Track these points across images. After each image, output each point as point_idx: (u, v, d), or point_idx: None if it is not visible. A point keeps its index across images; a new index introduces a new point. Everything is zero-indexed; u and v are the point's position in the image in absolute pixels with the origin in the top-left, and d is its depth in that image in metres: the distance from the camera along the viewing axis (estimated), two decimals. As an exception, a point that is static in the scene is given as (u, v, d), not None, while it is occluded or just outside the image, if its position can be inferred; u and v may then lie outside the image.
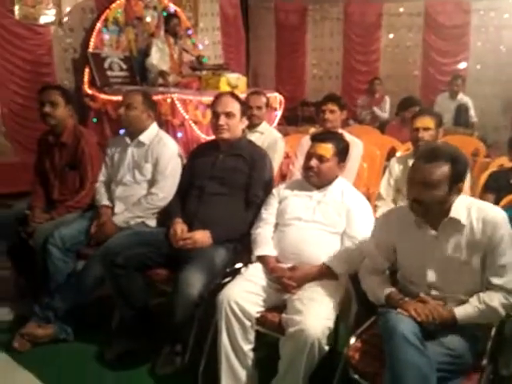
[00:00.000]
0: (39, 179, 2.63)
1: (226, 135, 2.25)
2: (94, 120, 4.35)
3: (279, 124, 4.87)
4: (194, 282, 1.88)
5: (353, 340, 1.67)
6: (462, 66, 6.14)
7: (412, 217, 1.63)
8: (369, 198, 2.52)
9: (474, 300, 1.55)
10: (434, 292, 1.63)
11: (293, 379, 1.69)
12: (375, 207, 2.55)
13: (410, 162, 2.44)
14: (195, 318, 1.98)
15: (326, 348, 1.66)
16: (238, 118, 2.28)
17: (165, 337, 2.05)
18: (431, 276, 1.63)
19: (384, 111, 5.75)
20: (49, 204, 2.55)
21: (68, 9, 4.62)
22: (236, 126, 2.27)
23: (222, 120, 2.22)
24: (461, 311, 1.54)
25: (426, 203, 1.53)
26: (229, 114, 2.23)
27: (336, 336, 1.93)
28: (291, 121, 6.17)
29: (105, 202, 2.45)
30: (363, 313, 1.86)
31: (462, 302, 1.57)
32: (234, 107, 2.26)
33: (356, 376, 1.60)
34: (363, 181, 2.99)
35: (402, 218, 1.69)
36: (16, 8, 4.19)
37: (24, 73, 4.31)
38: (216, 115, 2.25)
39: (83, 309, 2.25)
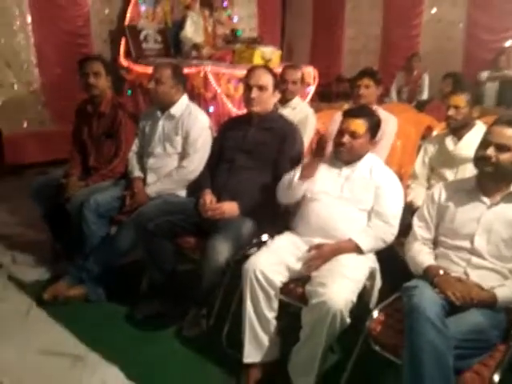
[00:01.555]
0: (76, 147, 2.72)
1: (257, 108, 2.25)
2: (129, 92, 4.41)
3: (312, 100, 4.79)
4: (222, 249, 1.93)
5: (375, 313, 1.69)
6: (509, 43, 5.83)
7: (468, 186, 1.75)
8: (401, 177, 2.49)
9: None
10: (475, 259, 1.65)
11: (313, 348, 1.73)
12: (408, 187, 2.52)
13: (446, 141, 2.41)
14: (221, 285, 2.04)
15: (348, 321, 1.68)
16: (271, 91, 2.27)
17: (192, 301, 2.13)
18: (478, 242, 1.67)
19: (422, 89, 5.57)
20: (84, 171, 2.65)
21: (106, -21, 4.66)
22: (268, 99, 2.27)
23: (255, 93, 2.22)
24: (503, 292, 1.53)
25: (501, 166, 1.62)
26: (261, 88, 2.23)
27: (359, 309, 1.94)
28: (325, 97, 6.05)
29: (137, 172, 2.52)
30: (388, 288, 1.88)
31: (500, 276, 1.58)
32: (267, 80, 2.24)
33: (377, 347, 1.63)
34: (396, 159, 2.93)
35: (457, 186, 1.81)
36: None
37: (63, 43, 4.40)
38: (248, 88, 2.25)
39: (115, 272, 2.36)
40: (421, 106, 5.10)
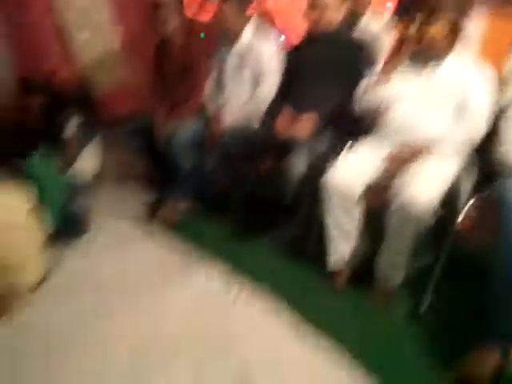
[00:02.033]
0: (160, 86, 2.87)
1: (324, 23, 2.21)
2: (202, 35, 4.49)
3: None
4: (298, 163, 2.04)
5: (464, 211, 1.68)
6: None
7: None
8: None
9: None
10: None
11: (399, 249, 1.78)
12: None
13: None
14: (305, 196, 2.15)
15: (433, 220, 1.69)
16: (335, 5, 2.20)
17: (279, 214, 2.31)
18: None
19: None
20: (170, 107, 2.79)
21: None
22: (334, 14, 2.21)
23: (319, 11, 2.17)
24: None
25: None
26: (327, 4, 2.16)
27: (448, 210, 1.90)
28: (403, 14, 5.60)
29: (215, 105, 2.66)
30: (482, 183, 1.84)
31: None
32: None
33: (466, 247, 1.66)
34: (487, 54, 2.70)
35: None
36: None
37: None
38: (313, 6, 2.20)
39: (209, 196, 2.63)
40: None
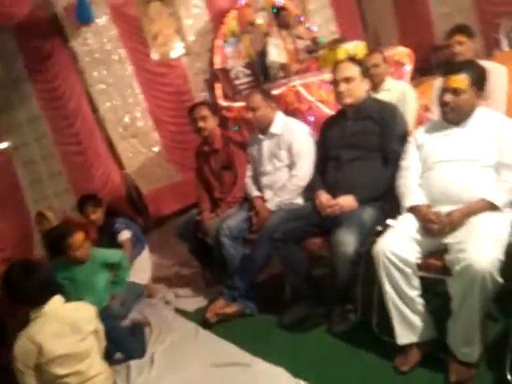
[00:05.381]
0: (202, 185, 3.05)
1: (348, 100, 2.29)
2: (235, 128, 4.78)
3: (412, 78, 4.62)
4: (347, 240, 1.98)
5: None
6: None
7: None
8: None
9: None
10: None
11: (469, 317, 1.66)
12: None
13: None
14: (359, 276, 2.08)
15: (500, 279, 1.58)
16: (359, 80, 2.30)
17: (334, 299, 2.20)
18: None
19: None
20: (213, 204, 2.95)
21: (191, 38, 5.17)
22: (357, 88, 2.30)
23: (342, 86, 2.27)
24: None
25: None
26: (348, 79, 2.27)
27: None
28: (425, 71, 5.74)
29: (255, 193, 2.74)
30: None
31: None
32: (352, 71, 2.28)
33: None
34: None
35: None
36: (152, 51, 4.88)
37: (170, 104, 4.97)
38: (336, 83, 2.31)
39: (261, 285, 2.57)
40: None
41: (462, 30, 2.74)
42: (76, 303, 1.97)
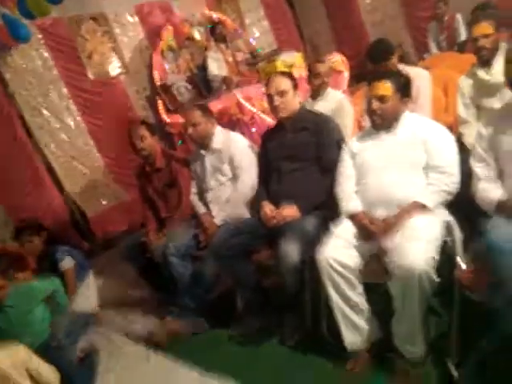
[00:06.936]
0: (147, 205, 2.99)
1: (284, 113, 2.34)
2: (180, 142, 4.74)
3: (349, 86, 4.79)
4: (291, 249, 2.00)
5: (463, 264, 1.67)
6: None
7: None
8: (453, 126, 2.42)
9: None
10: None
11: (411, 316, 1.72)
12: (460, 134, 2.44)
13: (479, 73, 2.31)
14: (306, 285, 2.10)
15: (436, 278, 1.66)
16: (291, 93, 2.34)
17: (285, 308, 2.22)
18: None
19: (459, 31, 5.30)
20: (159, 223, 2.90)
21: (128, 55, 5.10)
22: (291, 101, 2.34)
23: (277, 100, 2.32)
24: None
25: None
26: (281, 93, 2.31)
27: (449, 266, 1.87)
28: (361, 77, 5.98)
29: (201, 209, 2.73)
30: (468, 237, 1.82)
31: None
32: (284, 84, 2.33)
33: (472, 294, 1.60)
34: (442, 109, 2.85)
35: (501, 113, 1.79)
36: (88, 69, 4.76)
37: (111, 123, 4.85)
38: (270, 98, 2.35)
39: (211, 302, 2.55)
40: (461, 48, 4.86)
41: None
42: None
